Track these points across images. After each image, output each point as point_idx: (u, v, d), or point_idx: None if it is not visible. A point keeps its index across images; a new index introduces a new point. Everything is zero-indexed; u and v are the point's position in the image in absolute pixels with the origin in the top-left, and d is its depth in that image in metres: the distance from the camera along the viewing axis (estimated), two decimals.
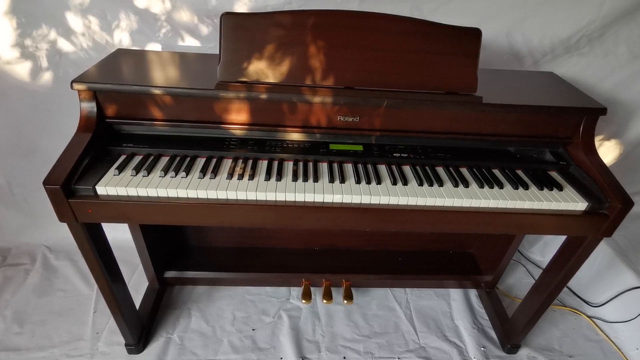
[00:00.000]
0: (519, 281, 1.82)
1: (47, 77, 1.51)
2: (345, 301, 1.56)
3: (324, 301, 1.56)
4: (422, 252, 1.79)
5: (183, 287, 1.68)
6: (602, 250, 1.72)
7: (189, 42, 1.47)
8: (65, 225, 1.71)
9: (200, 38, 1.46)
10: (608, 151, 1.72)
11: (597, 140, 1.69)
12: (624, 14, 1.41)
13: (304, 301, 1.55)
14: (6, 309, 1.53)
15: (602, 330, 1.60)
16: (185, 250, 1.71)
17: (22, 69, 1.48)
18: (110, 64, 1.18)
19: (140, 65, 1.20)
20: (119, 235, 1.52)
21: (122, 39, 1.45)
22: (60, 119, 1.57)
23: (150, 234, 1.46)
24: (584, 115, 1.13)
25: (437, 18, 1.16)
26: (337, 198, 1.00)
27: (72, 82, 1.02)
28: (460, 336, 1.56)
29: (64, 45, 1.45)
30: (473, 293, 1.75)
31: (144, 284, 1.62)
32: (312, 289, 1.63)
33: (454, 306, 1.68)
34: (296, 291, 1.69)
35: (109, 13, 1.39)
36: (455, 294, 1.73)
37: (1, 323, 1.48)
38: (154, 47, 1.47)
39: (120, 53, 1.27)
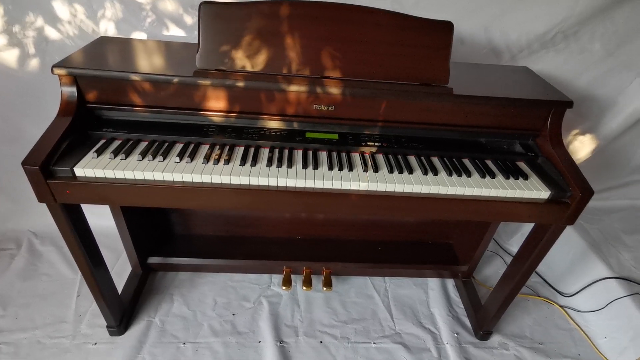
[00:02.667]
0: (496, 272, 1.87)
1: (34, 64, 1.53)
2: (325, 288, 1.60)
3: (304, 288, 1.60)
4: (403, 243, 1.83)
5: (166, 273, 1.71)
6: (576, 243, 1.77)
7: (174, 32, 1.50)
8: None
9: (185, 28, 1.49)
10: (583, 146, 1.77)
11: (572, 135, 1.74)
12: (598, 12, 1.45)
13: (284, 288, 1.59)
14: None
15: (573, 320, 1.66)
16: (170, 238, 1.74)
17: (9, 56, 1.50)
18: (92, 51, 1.20)
19: (122, 52, 1.23)
20: (104, 222, 1.54)
21: (108, 27, 1.47)
22: (47, 106, 1.59)
23: (133, 220, 1.49)
24: (552, 108, 1.17)
25: (417, 12, 1.19)
26: (309, 183, 1.04)
27: (53, 66, 1.05)
28: (435, 323, 1.60)
29: (51, 32, 1.47)
30: (451, 283, 1.80)
31: (128, 269, 1.65)
32: (293, 276, 1.67)
33: (431, 295, 1.72)
34: (277, 278, 1.72)
35: (95, 2, 1.41)
36: (433, 284, 1.78)
37: None
38: (139, 36, 1.49)
39: (103, 40, 1.29)
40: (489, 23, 1.48)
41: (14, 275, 1.63)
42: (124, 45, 1.27)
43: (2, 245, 1.76)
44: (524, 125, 1.21)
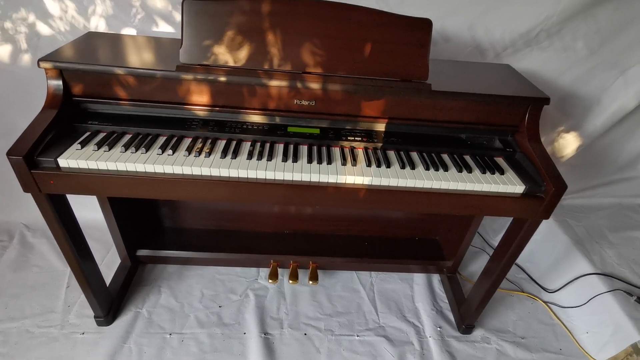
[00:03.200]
0: (482, 268, 1.88)
1: (26, 59, 1.56)
2: (311, 282, 1.63)
3: (290, 282, 1.62)
4: (389, 238, 1.85)
5: (155, 265, 1.74)
6: (561, 240, 1.79)
7: (163, 28, 1.52)
8: None
9: (174, 24, 1.51)
10: (568, 143, 1.79)
11: (557, 133, 1.76)
12: (581, 10, 1.46)
13: (270, 281, 1.61)
14: None
15: (556, 315, 1.68)
16: (159, 231, 1.77)
17: (1, 51, 1.53)
18: (79, 45, 1.23)
19: (109, 47, 1.25)
20: (96, 215, 1.56)
21: (99, 23, 1.50)
22: (38, 100, 1.57)
23: (122, 213, 1.52)
24: (529, 105, 1.19)
25: (402, 10, 1.21)
26: (288, 176, 1.06)
27: (39, 60, 1.08)
28: (419, 317, 1.63)
29: (42, 28, 1.49)
30: (436, 278, 1.82)
31: (118, 262, 1.68)
32: (280, 270, 1.69)
33: (417, 290, 1.75)
34: (265, 272, 1.75)
35: None
36: (418, 279, 1.80)
37: None
38: (129, 32, 1.51)
39: (91, 35, 1.32)
40: (473, 21, 1.50)
41: (5, 266, 1.66)
42: (111, 41, 1.29)
43: None
44: (502, 121, 1.23)
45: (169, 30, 1.52)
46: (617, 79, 1.62)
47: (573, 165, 1.87)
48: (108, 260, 1.73)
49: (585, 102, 1.68)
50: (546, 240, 1.84)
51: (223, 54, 1.14)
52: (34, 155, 0.99)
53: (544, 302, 1.73)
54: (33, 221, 1.87)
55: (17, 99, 1.63)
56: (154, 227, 1.78)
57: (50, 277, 1.64)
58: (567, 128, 1.75)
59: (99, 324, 1.46)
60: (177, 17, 1.49)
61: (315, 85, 1.13)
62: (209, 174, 1.05)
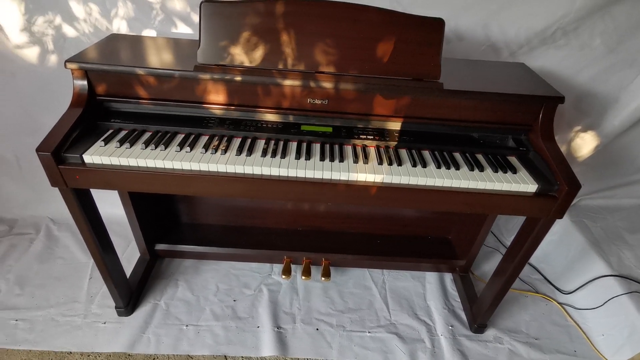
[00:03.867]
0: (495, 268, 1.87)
1: (52, 60, 1.63)
2: (323, 278, 1.65)
3: (303, 277, 1.65)
4: (401, 236, 1.86)
5: (172, 259, 1.79)
6: (577, 241, 1.77)
7: (182, 30, 1.57)
8: None
9: (192, 25, 1.56)
10: (585, 143, 1.76)
11: (574, 132, 1.74)
12: (598, 7, 1.44)
13: (284, 277, 1.65)
14: (9, 273, 1.67)
15: (570, 317, 1.66)
16: (176, 226, 1.83)
17: (30, 52, 1.60)
18: (103, 47, 1.28)
19: (130, 48, 1.30)
20: (117, 211, 1.63)
21: (121, 25, 1.56)
22: (64, 99, 1.65)
23: (142, 209, 1.58)
24: (543, 104, 1.19)
25: (415, 9, 1.22)
26: (300, 173, 1.09)
27: (66, 61, 1.13)
28: (430, 315, 1.63)
29: (68, 30, 1.56)
30: (448, 277, 1.82)
31: (137, 255, 1.74)
32: (293, 266, 1.73)
33: (428, 288, 1.75)
34: (278, 268, 1.78)
35: (108, 1, 1.49)
36: (430, 277, 1.81)
37: (4, 285, 1.62)
38: (149, 33, 1.57)
39: (114, 37, 1.37)
40: (487, 19, 1.49)
41: (32, 258, 1.75)
42: (132, 42, 1.35)
43: (22, 230, 1.88)
44: (515, 120, 1.23)
45: (187, 32, 1.57)
46: (637, 77, 1.58)
47: (590, 165, 1.84)
48: (128, 254, 1.80)
49: (603, 100, 1.65)
50: (562, 241, 1.82)
51: (239, 54, 1.17)
52: (61, 152, 1.05)
53: (559, 303, 1.71)
54: (58, 215, 1.95)
55: (44, 98, 1.71)
56: (172, 222, 1.83)
57: (74, 269, 1.71)
58: (585, 127, 1.73)
59: (120, 314, 1.52)
60: (195, 18, 1.53)
61: (328, 85, 1.16)
62: (225, 171, 1.08)
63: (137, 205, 1.54)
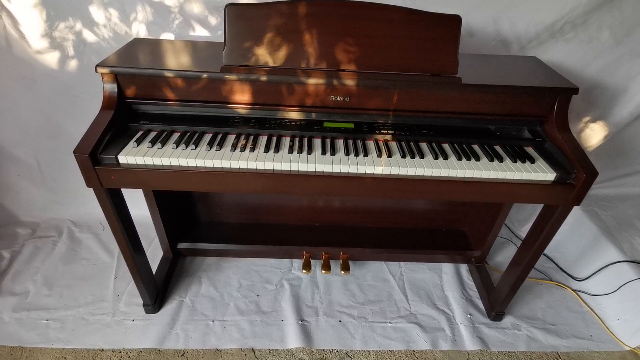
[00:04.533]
0: (509, 258, 1.88)
1: (72, 65, 1.67)
2: (343, 272, 1.69)
3: (323, 272, 1.69)
4: (417, 229, 1.90)
5: (194, 258, 1.83)
6: (589, 229, 1.81)
7: (200, 32, 1.61)
8: (88, 202, 1.89)
9: (209, 28, 1.60)
10: (595, 133, 1.80)
11: (583, 123, 1.78)
12: (605, 1, 1.48)
13: (304, 271, 1.69)
14: (36, 274, 1.71)
15: (585, 303, 1.70)
16: (197, 225, 1.87)
17: (50, 58, 1.64)
18: (128, 51, 1.32)
19: (155, 52, 1.34)
20: (136, 212, 1.65)
21: (140, 29, 1.60)
22: (84, 104, 1.73)
23: (165, 208, 1.61)
24: (558, 95, 1.23)
25: (427, 6, 1.26)
26: (327, 168, 1.13)
27: (97, 66, 1.17)
28: (449, 305, 1.67)
29: (88, 35, 1.60)
30: (464, 267, 1.86)
31: (159, 255, 1.78)
32: (312, 261, 1.77)
33: (445, 279, 1.79)
34: (297, 263, 1.82)
35: (127, 5, 1.53)
36: (446, 268, 1.85)
37: (32, 287, 1.66)
38: (167, 36, 1.61)
39: (137, 42, 1.41)
40: (497, 15, 1.53)
41: (57, 260, 1.79)
42: (156, 46, 1.38)
43: (45, 233, 1.92)
44: (531, 112, 1.27)
45: (205, 34, 1.61)
46: None
47: (600, 155, 1.88)
48: (150, 254, 1.82)
49: (611, 91, 1.70)
50: (573, 230, 1.86)
51: (263, 55, 1.21)
52: (97, 153, 1.09)
53: (573, 290, 1.75)
54: (79, 218, 1.99)
55: (64, 103, 1.74)
56: (192, 222, 1.87)
57: (98, 269, 1.75)
58: (594, 118, 1.77)
59: (147, 311, 1.56)
60: (213, 21, 1.57)
61: (349, 82, 1.20)
62: (255, 167, 1.12)
63: (161, 206, 1.58)
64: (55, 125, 1.80)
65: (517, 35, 1.57)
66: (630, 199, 1.97)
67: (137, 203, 1.56)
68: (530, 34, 1.56)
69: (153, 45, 1.39)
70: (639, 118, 1.75)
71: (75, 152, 1.06)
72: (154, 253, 1.82)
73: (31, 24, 1.55)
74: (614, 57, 1.61)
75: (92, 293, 1.64)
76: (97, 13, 1.55)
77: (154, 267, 1.71)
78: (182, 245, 1.78)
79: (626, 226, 1.82)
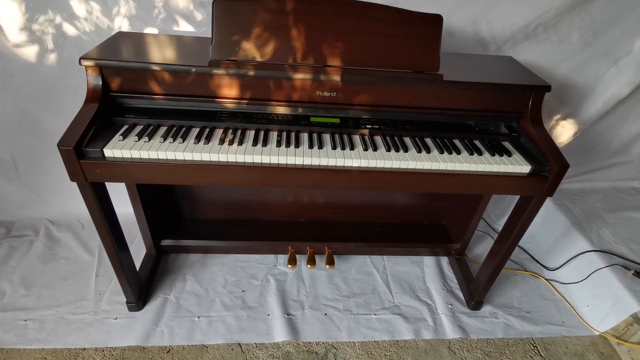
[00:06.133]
0: (487, 250, 1.96)
1: (52, 59, 1.63)
2: (328, 266, 1.72)
3: (308, 266, 1.71)
4: (399, 224, 1.95)
5: (178, 255, 1.82)
6: (560, 221, 1.90)
7: (184, 27, 1.60)
8: (66, 200, 1.84)
9: (194, 23, 1.59)
10: (565, 130, 1.90)
11: (555, 120, 1.88)
12: (576, 4, 1.57)
13: (289, 266, 1.70)
14: (13, 275, 1.66)
15: (557, 291, 1.79)
16: (181, 221, 1.85)
17: (29, 51, 1.59)
18: (113, 45, 1.31)
19: (139, 45, 1.33)
20: (120, 210, 1.64)
21: (122, 24, 1.58)
22: (64, 99, 1.69)
23: (149, 205, 1.60)
24: (532, 92, 1.30)
25: (410, 6, 1.30)
26: (315, 161, 1.15)
27: (81, 58, 1.15)
28: (431, 296, 1.73)
29: (69, 29, 1.56)
30: (445, 260, 1.92)
31: (142, 252, 1.76)
32: (297, 256, 1.79)
33: (427, 271, 1.85)
34: (283, 259, 1.84)
35: None
36: (428, 261, 1.90)
37: (8, 287, 1.60)
38: (151, 31, 1.59)
39: (121, 35, 1.40)
40: (476, 16, 1.60)
41: (34, 259, 1.73)
42: (140, 40, 1.37)
43: (21, 232, 1.86)
44: (508, 108, 1.33)
45: (189, 30, 1.60)
46: (610, 69, 1.73)
47: (569, 151, 1.98)
48: (132, 251, 1.79)
49: (580, 90, 1.79)
50: (546, 222, 1.96)
51: (250, 50, 1.22)
52: (81, 146, 1.07)
53: (546, 279, 1.84)
54: (57, 216, 1.93)
55: (42, 98, 1.70)
56: (175, 218, 1.86)
57: (79, 268, 1.71)
58: (564, 115, 1.86)
59: (131, 309, 1.54)
60: (198, 16, 1.57)
61: (336, 78, 1.22)
62: (244, 161, 1.13)
63: (145, 202, 1.56)
64: (33, 120, 1.75)
65: (494, 36, 1.64)
66: (598, 193, 2.09)
67: (119, 201, 1.53)
68: (506, 35, 1.63)
69: (138, 39, 1.38)
70: (606, 116, 1.86)
71: (59, 145, 1.05)
72: (137, 250, 1.78)
73: (9, 17, 1.50)
74: (583, 58, 1.71)
75: (73, 292, 1.60)
76: (78, 6, 1.52)
77: (137, 265, 1.69)
78: (166, 242, 1.77)
79: (594, 218, 1.93)
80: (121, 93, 1.22)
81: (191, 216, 1.88)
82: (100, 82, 1.18)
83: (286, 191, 1.81)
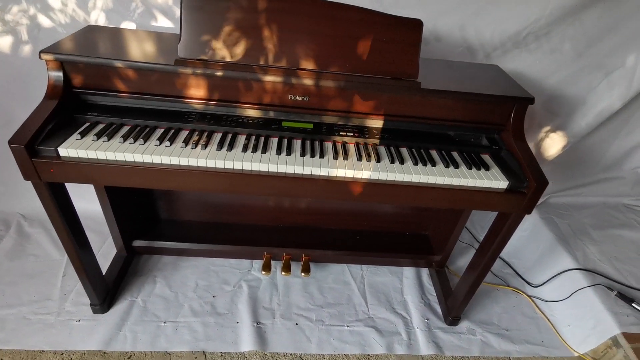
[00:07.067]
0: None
1: (26, 50, 1.58)
2: (303, 274, 1.67)
3: (283, 273, 1.66)
4: (380, 233, 1.90)
5: (151, 256, 1.77)
6: (546, 236, 1.85)
7: (163, 23, 1.55)
8: None
9: (173, 19, 1.54)
10: (554, 143, 1.84)
11: (544, 132, 1.82)
12: (568, 14, 1.51)
13: (264, 273, 1.65)
14: None
15: (539, 309, 1.73)
16: (155, 222, 1.80)
17: (2, 42, 1.55)
18: (79, 38, 1.25)
19: (109, 40, 1.28)
20: (93, 207, 1.59)
21: (99, 17, 1.53)
22: (38, 91, 1.59)
23: (119, 204, 1.55)
24: (514, 104, 1.24)
25: (396, 10, 1.24)
26: (281, 168, 1.10)
27: (40, 52, 1.10)
28: (407, 309, 1.68)
29: (43, 20, 1.52)
30: (425, 272, 1.87)
31: (114, 252, 1.71)
32: (273, 262, 1.74)
33: (406, 283, 1.80)
34: (258, 264, 1.79)
35: None
36: (408, 272, 1.85)
37: None
38: (128, 26, 1.54)
39: (91, 29, 1.35)
40: (464, 21, 1.54)
41: (1, 255, 1.69)
42: (110, 34, 1.32)
43: None
44: (489, 120, 1.28)
45: (168, 25, 1.55)
46: (602, 81, 1.67)
47: (559, 164, 1.92)
48: (104, 251, 1.76)
49: (571, 102, 1.74)
50: (532, 237, 1.90)
51: (220, 49, 1.17)
52: (35, 144, 1.03)
53: (528, 296, 1.79)
54: (30, 211, 1.89)
55: (17, 90, 1.65)
56: (150, 218, 1.81)
57: (46, 266, 1.67)
58: (554, 127, 1.81)
59: (95, 311, 1.50)
60: (177, 12, 1.52)
61: (309, 82, 1.17)
62: (205, 165, 1.08)
63: (114, 201, 1.52)
64: (5, 113, 1.71)
65: (482, 43, 1.58)
66: (586, 208, 2.03)
67: (92, 196, 1.49)
68: (495, 42, 1.58)
69: (108, 34, 1.33)
70: (597, 129, 1.80)
71: (10, 142, 1.00)
72: (109, 251, 1.75)
73: None
74: (575, 68, 1.65)
75: (38, 291, 1.56)
76: None
77: (108, 265, 1.65)
78: (138, 243, 1.72)
79: (581, 235, 1.87)
80: (84, 89, 1.17)
81: (167, 217, 1.83)
82: (62, 78, 1.13)
83: (255, 196, 1.76)
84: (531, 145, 1.84)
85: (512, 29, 1.54)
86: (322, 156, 1.15)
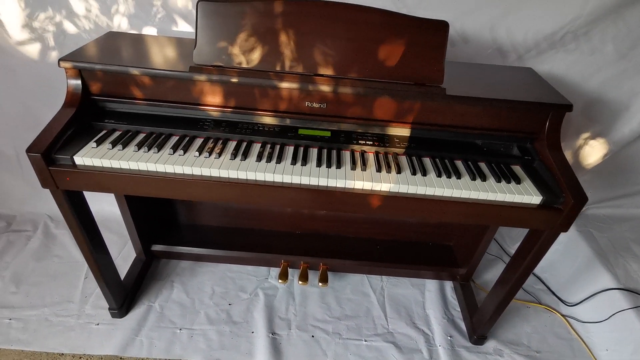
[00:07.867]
0: (497, 277, 1.83)
1: (53, 56, 1.62)
2: (321, 284, 1.62)
3: (300, 282, 1.62)
4: (402, 242, 1.83)
5: (169, 260, 1.77)
6: (583, 251, 1.71)
7: (183, 28, 1.55)
8: None
9: (193, 24, 1.52)
10: (594, 151, 1.71)
11: (582, 139, 1.69)
12: (610, 12, 1.39)
13: (280, 281, 1.62)
14: (5, 270, 1.67)
15: (574, 329, 1.61)
16: (174, 227, 1.81)
17: (30, 49, 1.59)
18: (99, 45, 1.26)
19: (128, 47, 1.28)
20: (115, 209, 1.60)
21: (121, 22, 1.54)
22: (63, 96, 1.67)
23: (138, 208, 1.56)
24: (550, 111, 1.14)
25: (420, 11, 1.18)
26: (296, 179, 1.06)
27: (59, 60, 1.11)
28: (429, 324, 1.60)
29: (69, 27, 1.54)
30: (449, 285, 1.78)
31: (134, 255, 1.73)
32: (290, 270, 1.70)
33: (428, 296, 1.71)
34: (275, 271, 1.76)
35: None
36: (430, 285, 1.77)
37: (0, 283, 1.61)
38: (149, 31, 1.55)
39: (111, 35, 1.35)
40: (494, 22, 1.44)
41: (28, 255, 1.74)
42: (130, 40, 1.32)
43: (20, 227, 1.87)
44: (521, 128, 1.19)
45: (188, 30, 1.54)
46: None
47: (598, 173, 1.78)
48: (125, 254, 1.78)
49: (613, 107, 1.60)
50: (567, 251, 1.77)
51: (236, 55, 1.14)
52: (52, 153, 1.03)
53: (562, 315, 1.66)
54: (56, 212, 1.89)
55: (44, 94, 1.69)
56: (169, 223, 1.81)
57: (70, 268, 1.70)
58: (593, 134, 1.67)
59: (113, 315, 1.51)
60: None
61: (326, 88, 1.12)
62: (218, 175, 1.05)
63: (133, 206, 1.52)
64: (34, 117, 1.75)
65: (514, 44, 1.48)
66: (628, 221, 1.87)
67: (112, 199, 1.51)
68: (528, 43, 1.47)
69: (127, 40, 1.33)
70: None
71: (27, 151, 1.01)
72: (129, 253, 1.76)
73: (10, 14, 1.50)
74: (617, 71, 1.52)
75: (60, 293, 1.59)
76: (77, 4, 1.49)
77: (128, 268, 1.66)
78: (157, 247, 1.72)
79: (622, 250, 1.72)
80: (102, 96, 1.17)
81: (186, 221, 1.83)
82: (80, 85, 1.14)
83: (269, 207, 1.72)
84: (567, 153, 1.72)
85: (547, 29, 1.43)
86: (339, 166, 1.10)
